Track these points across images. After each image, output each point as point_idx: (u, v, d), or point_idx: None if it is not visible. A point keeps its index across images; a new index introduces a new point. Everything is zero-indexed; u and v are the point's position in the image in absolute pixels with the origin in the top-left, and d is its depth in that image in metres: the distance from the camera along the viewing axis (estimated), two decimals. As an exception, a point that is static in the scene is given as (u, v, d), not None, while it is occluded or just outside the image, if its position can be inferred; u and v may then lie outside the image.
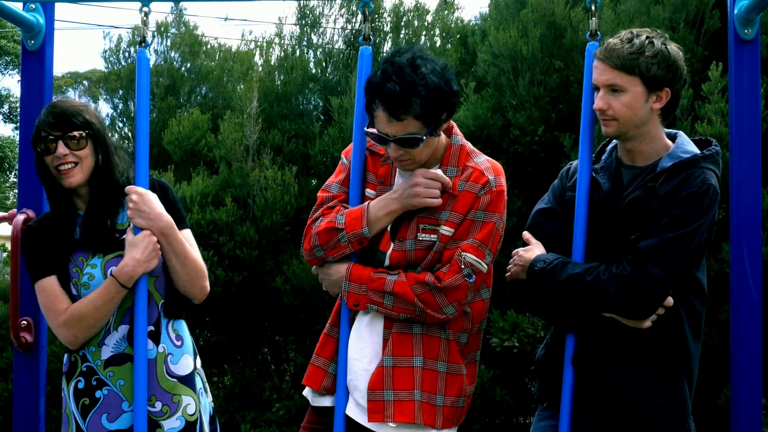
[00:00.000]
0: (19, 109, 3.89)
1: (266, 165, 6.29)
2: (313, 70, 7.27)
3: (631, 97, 2.68)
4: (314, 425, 2.90)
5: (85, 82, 22.62)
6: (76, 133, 2.81)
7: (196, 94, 7.61)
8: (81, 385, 2.84)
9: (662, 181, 2.68)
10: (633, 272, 2.62)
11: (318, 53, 7.38)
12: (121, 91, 7.53)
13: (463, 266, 2.71)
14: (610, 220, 2.74)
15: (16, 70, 24.35)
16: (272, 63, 7.33)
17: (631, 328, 2.69)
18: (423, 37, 7.15)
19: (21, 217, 3.27)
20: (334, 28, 7.39)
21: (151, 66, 7.35)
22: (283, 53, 7.39)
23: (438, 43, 7.19)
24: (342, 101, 6.46)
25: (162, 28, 7.64)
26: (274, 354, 6.95)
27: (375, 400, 2.74)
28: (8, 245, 10.87)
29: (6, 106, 25.57)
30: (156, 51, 7.64)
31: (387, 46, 7.11)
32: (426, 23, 7.21)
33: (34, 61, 3.51)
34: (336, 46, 7.36)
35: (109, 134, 2.95)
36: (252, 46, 7.88)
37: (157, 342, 2.87)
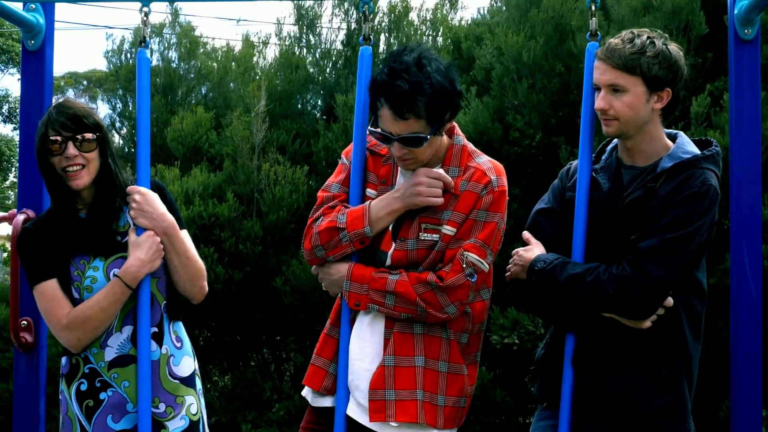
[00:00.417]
0: (18, 110, 3.89)
1: (278, 160, 6.34)
2: (311, 70, 7.29)
3: (633, 97, 2.68)
4: (314, 425, 2.90)
5: (85, 82, 22.61)
6: (87, 135, 2.79)
7: (195, 93, 7.63)
8: (84, 387, 2.83)
9: (662, 181, 2.68)
10: (633, 272, 2.62)
11: (317, 54, 7.40)
12: (120, 91, 7.54)
13: (465, 266, 2.71)
14: (610, 220, 2.74)
15: (16, 69, 24.32)
16: (273, 63, 7.36)
17: (631, 328, 2.69)
18: (418, 37, 7.15)
19: (21, 217, 3.27)
20: (330, 27, 7.41)
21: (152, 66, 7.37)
22: (282, 53, 7.41)
23: (432, 43, 7.20)
24: (347, 99, 6.48)
25: (160, 28, 7.66)
26: (273, 354, 6.96)
27: (377, 399, 2.74)
28: (8, 245, 10.87)
29: (6, 107, 25.53)
30: (152, 50, 7.65)
31: (381, 47, 7.13)
32: (418, 23, 7.23)
33: (34, 61, 3.50)
34: (333, 46, 7.38)
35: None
36: (252, 46, 7.89)
37: (160, 343, 2.87)
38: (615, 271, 2.65)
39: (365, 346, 2.80)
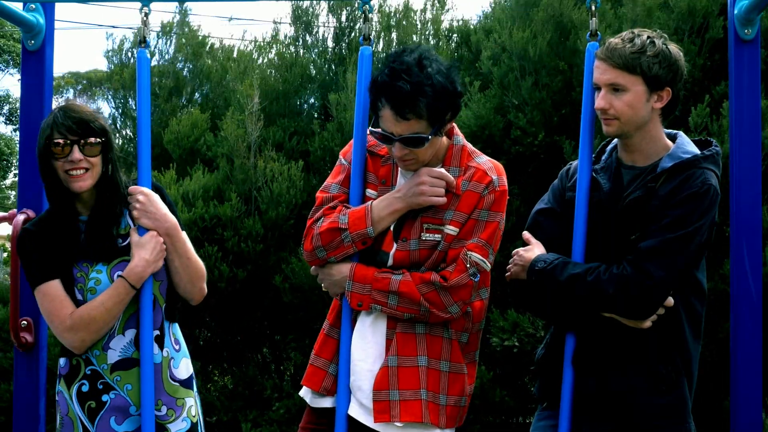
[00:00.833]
0: (18, 110, 3.89)
1: (274, 157, 6.35)
2: (309, 67, 7.30)
3: (633, 96, 2.68)
4: (314, 426, 2.89)
5: (85, 82, 22.58)
6: (92, 140, 2.78)
7: (199, 94, 7.64)
8: (85, 389, 2.83)
9: (662, 181, 2.68)
10: (633, 272, 2.62)
11: (313, 53, 7.40)
12: (122, 91, 7.54)
13: (468, 265, 2.71)
14: (610, 220, 2.75)
15: (16, 69, 24.30)
16: (271, 62, 7.36)
17: (631, 328, 2.69)
18: (414, 37, 7.15)
19: (21, 217, 3.27)
20: (326, 26, 7.41)
21: (155, 67, 7.38)
22: (279, 54, 7.41)
23: (431, 42, 7.20)
24: (339, 97, 6.49)
25: (167, 29, 7.65)
26: (274, 353, 6.96)
27: (380, 400, 2.73)
28: (8, 245, 10.86)
29: (6, 108, 25.50)
30: (160, 51, 7.66)
31: (380, 46, 7.14)
32: (416, 22, 7.23)
33: (34, 61, 3.50)
34: (328, 44, 7.40)
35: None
36: (252, 46, 7.89)
37: (161, 346, 2.88)
38: (615, 271, 2.65)
39: (367, 346, 2.80)
